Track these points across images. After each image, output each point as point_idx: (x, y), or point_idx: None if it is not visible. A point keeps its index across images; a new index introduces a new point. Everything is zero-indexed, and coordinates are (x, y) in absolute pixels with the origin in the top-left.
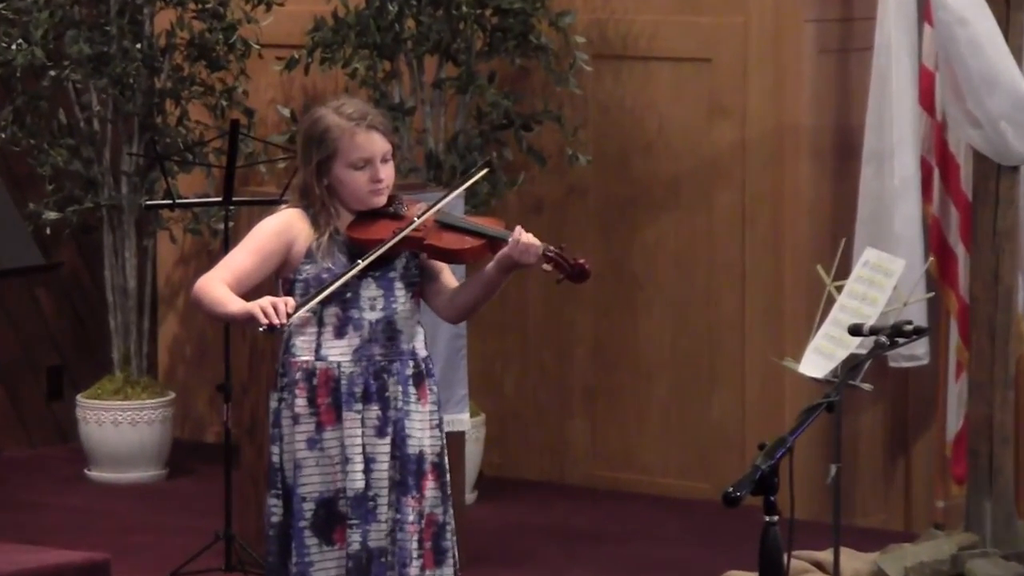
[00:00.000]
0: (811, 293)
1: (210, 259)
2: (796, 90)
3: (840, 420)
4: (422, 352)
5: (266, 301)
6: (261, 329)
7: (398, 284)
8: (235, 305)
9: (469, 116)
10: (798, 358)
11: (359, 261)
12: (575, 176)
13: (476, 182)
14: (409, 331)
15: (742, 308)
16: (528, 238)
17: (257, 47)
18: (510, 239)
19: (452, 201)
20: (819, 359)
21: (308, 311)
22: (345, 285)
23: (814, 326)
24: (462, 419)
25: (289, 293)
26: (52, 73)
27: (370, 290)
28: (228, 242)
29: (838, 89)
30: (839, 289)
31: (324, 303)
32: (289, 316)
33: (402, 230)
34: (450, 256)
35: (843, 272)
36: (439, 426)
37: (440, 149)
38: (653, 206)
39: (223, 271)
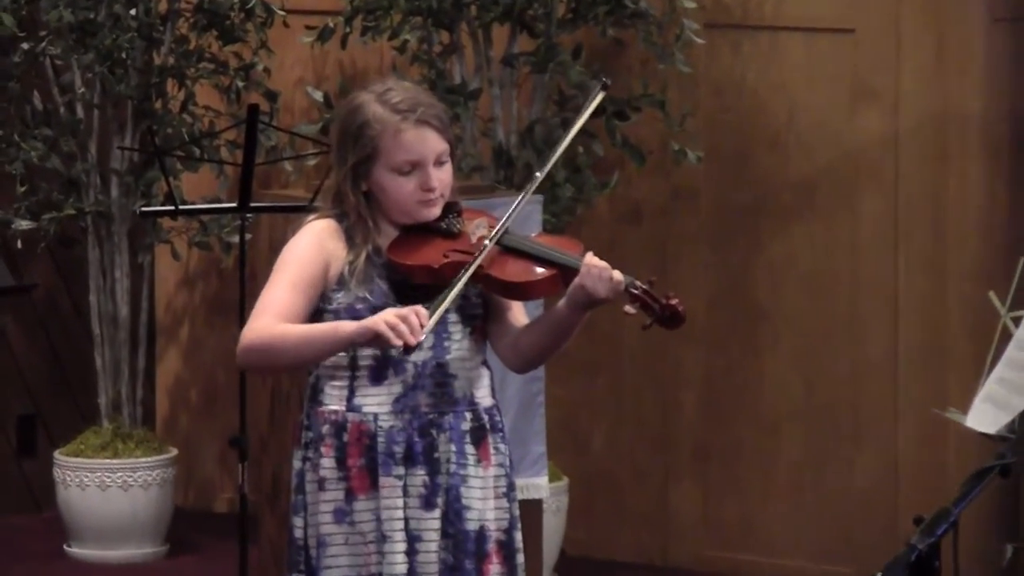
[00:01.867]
0: (981, 326)
1: (221, 280)
2: (962, 68)
3: (1018, 488)
4: (485, 401)
5: (392, 316)
6: (395, 352)
7: (453, 317)
8: (346, 327)
9: (548, 101)
10: (964, 408)
11: (486, 240)
12: (682, 177)
13: (588, 117)
14: (467, 376)
15: (894, 344)
16: (601, 266)
17: (282, 13)
18: (580, 266)
19: (523, 211)
20: (991, 410)
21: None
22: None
23: (985, 368)
24: (539, 484)
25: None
26: (24, 46)
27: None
28: (244, 259)
29: (1015, 67)
30: (1017, 321)
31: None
32: (423, 328)
33: (464, 268)
34: (514, 291)
35: (1022, 299)
36: (507, 494)
37: (512, 142)
38: (780, 215)
39: (270, 318)
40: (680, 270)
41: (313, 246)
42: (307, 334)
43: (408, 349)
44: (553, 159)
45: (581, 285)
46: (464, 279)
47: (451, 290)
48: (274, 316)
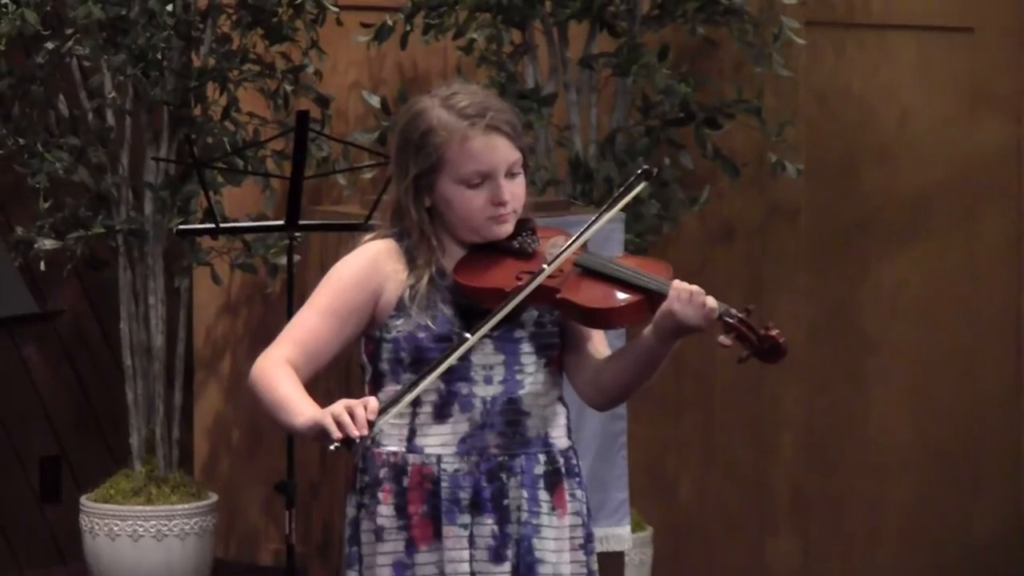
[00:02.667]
0: None
1: (266, 307)
2: None
3: None
4: (561, 442)
5: (340, 407)
6: (333, 447)
7: (526, 347)
8: (301, 416)
9: (632, 107)
10: None
11: (467, 335)
12: (780, 192)
13: (631, 201)
14: (541, 413)
15: (1017, 380)
16: (692, 291)
17: (335, 10)
18: (669, 291)
19: (603, 230)
20: None
21: (399, 413)
22: (448, 338)
23: None
24: (621, 534)
25: (374, 357)
26: (49, 46)
27: (485, 355)
28: (292, 283)
29: None
30: None
31: (421, 372)
32: (372, 424)
33: (526, 282)
34: (594, 318)
35: None
36: (584, 546)
37: (590, 153)
38: (890, 234)
39: (288, 346)
40: (778, 296)
41: (362, 269)
42: (277, 403)
43: (349, 443)
44: (569, 245)
45: (669, 312)
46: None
47: (428, 374)
48: (294, 344)
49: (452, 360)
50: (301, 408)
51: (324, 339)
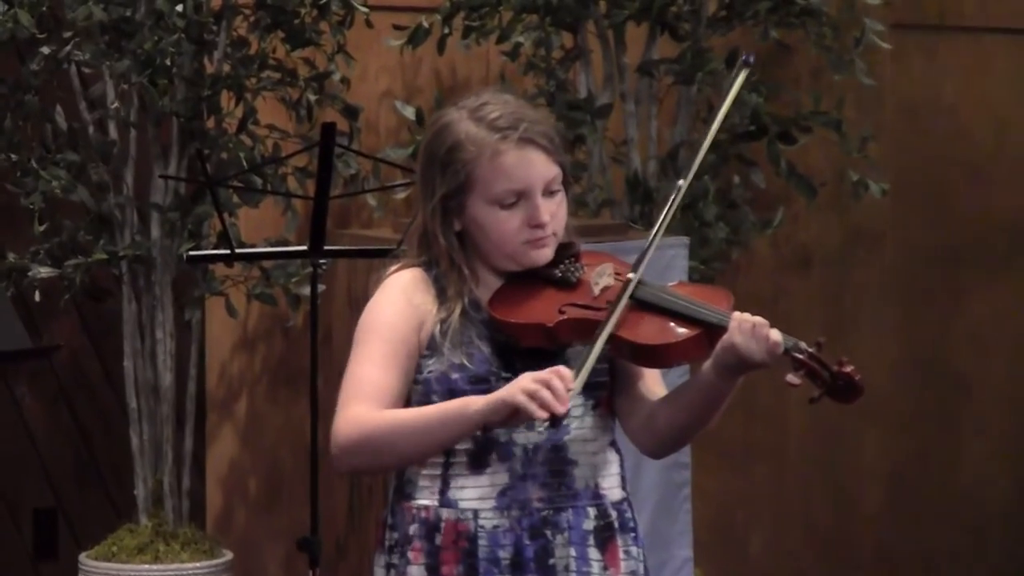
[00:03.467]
0: None
1: (288, 342)
2: None
3: None
4: (613, 493)
5: (531, 382)
6: (543, 426)
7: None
8: (475, 404)
9: (696, 119)
10: None
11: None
12: (863, 214)
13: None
14: (590, 461)
15: None
16: (754, 323)
17: (364, 10)
18: (729, 323)
19: (664, 257)
20: None
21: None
22: (487, 380)
23: None
24: None
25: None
26: (45, 50)
27: None
28: (316, 316)
29: None
30: None
31: None
32: (570, 392)
33: (602, 328)
34: (648, 356)
35: None
36: None
37: (650, 171)
38: (986, 262)
39: (363, 404)
40: (859, 332)
41: (401, 306)
42: (425, 420)
43: (555, 420)
44: (696, 164)
45: (730, 346)
46: (606, 332)
47: (594, 347)
48: (368, 402)
49: (607, 331)
50: (463, 401)
51: (395, 393)
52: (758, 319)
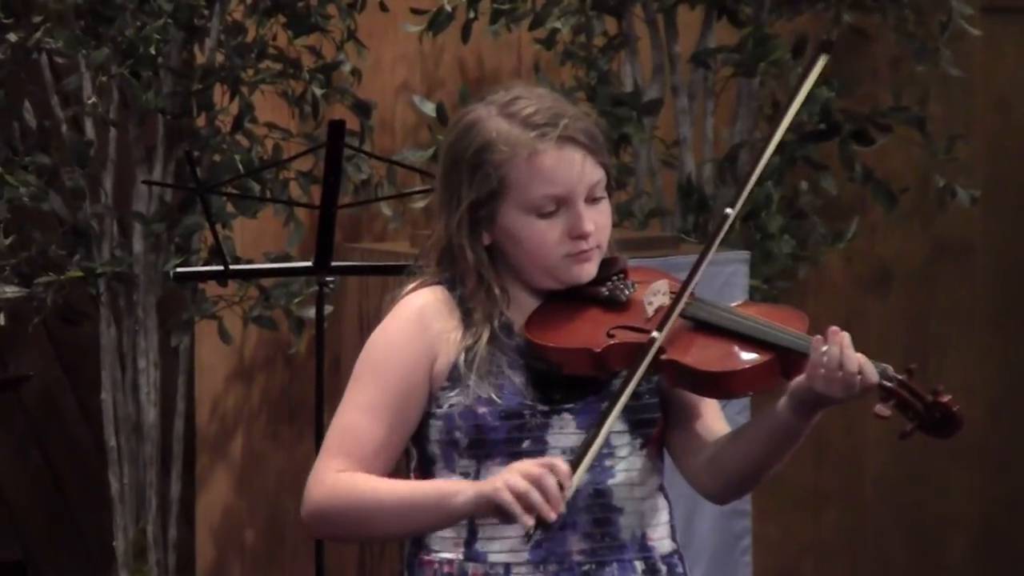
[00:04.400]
0: None
1: (290, 372)
2: None
3: None
4: (663, 545)
5: (520, 479)
6: (530, 534)
7: (618, 426)
8: (458, 496)
9: (758, 117)
10: None
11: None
12: (950, 225)
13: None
14: (637, 508)
15: None
16: (840, 348)
17: None
18: (811, 350)
19: (721, 274)
20: None
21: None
22: (519, 415)
23: None
24: None
25: (421, 437)
26: (12, 37)
27: (564, 433)
28: (323, 342)
29: None
30: None
31: (483, 455)
32: (565, 491)
33: (643, 352)
34: (709, 385)
35: None
36: None
37: (705, 175)
38: None
39: (340, 462)
40: (946, 359)
41: (409, 339)
42: (403, 503)
43: (543, 526)
44: (758, 169)
45: (811, 377)
46: (635, 381)
47: (613, 406)
48: (349, 458)
49: (636, 379)
50: (446, 488)
51: (384, 446)
52: (843, 340)
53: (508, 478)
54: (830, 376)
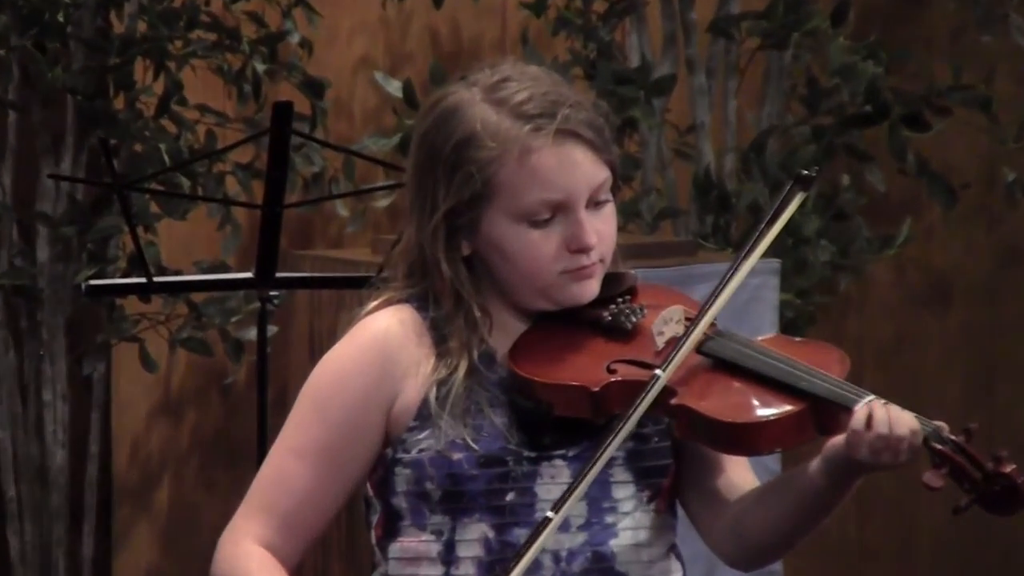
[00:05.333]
0: None
1: (226, 406)
2: None
3: None
4: None
5: None
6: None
7: (620, 474)
8: None
9: (791, 98)
10: None
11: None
12: (1022, 228)
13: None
14: (645, 573)
15: None
16: (883, 410)
17: None
18: (856, 410)
19: (746, 289)
20: None
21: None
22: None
23: None
24: None
25: (384, 487)
26: None
27: (556, 484)
28: (266, 370)
29: None
30: None
31: (459, 510)
32: None
33: (645, 390)
34: (729, 437)
35: None
36: None
37: (727, 169)
38: None
39: (261, 520)
40: (1019, 388)
41: (360, 369)
42: None
43: None
44: (714, 304)
45: (852, 444)
46: (627, 427)
47: (603, 450)
48: (271, 516)
49: (629, 425)
50: None
51: (316, 499)
52: (889, 407)
53: None
54: (875, 443)
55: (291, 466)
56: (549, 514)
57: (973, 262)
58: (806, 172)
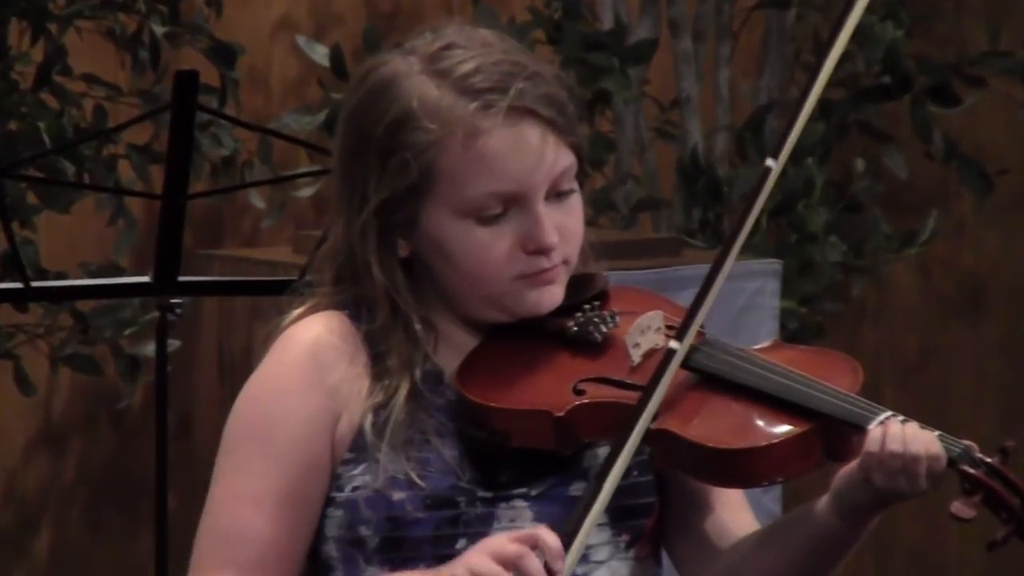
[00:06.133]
0: None
1: (119, 435)
2: None
3: None
4: None
5: (486, 561)
6: None
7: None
8: None
9: (794, 66)
10: None
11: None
12: None
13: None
14: None
15: None
16: (900, 432)
17: None
18: (869, 429)
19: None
20: None
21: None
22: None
23: None
24: None
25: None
26: None
27: (516, 528)
28: (165, 391)
29: None
30: None
31: (400, 559)
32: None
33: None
34: (720, 466)
35: None
36: None
37: (718, 151)
38: None
39: (222, 572)
40: None
41: (300, 389)
42: None
43: None
44: (792, 137)
45: (866, 466)
46: (626, 452)
47: (604, 479)
48: (241, 571)
49: (629, 449)
50: None
51: (284, 549)
52: (909, 428)
53: (473, 562)
54: (890, 463)
55: (248, 515)
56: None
57: (1011, 262)
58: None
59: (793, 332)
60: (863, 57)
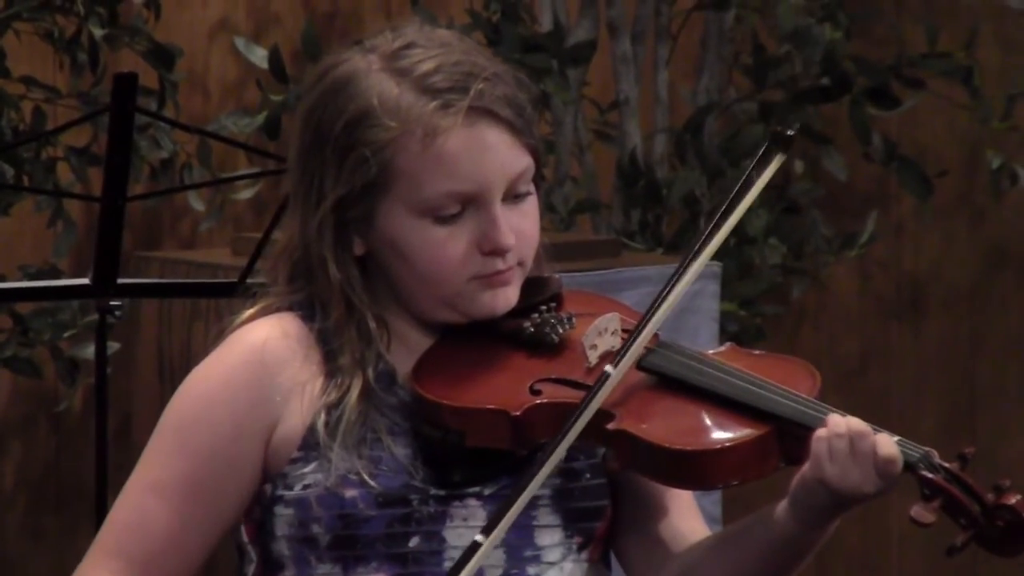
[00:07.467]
0: None
1: (59, 439)
2: None
3: None
4: None
5: None
6: None
7: (546, 517)
8: None
9: (733, 68)
10: None
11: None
12: (1011, 223)
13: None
14: None
15: None
16: (856, 432)
17: None
18: (816, 423)
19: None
20: None
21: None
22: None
23: None
24: None
25: (262, 533)
26: None
27: (469, 527)
28: (106, 394)
29: None
30: None
31: (352, 558)
32: None
33: (568, 422)
34: (676, 468)
35: None
36: None
37: (657, 153)
38: None
39: (114, 563)
40: (1007, 413)
41: (233, 389)
42: None
43: None
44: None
45: (820, 474)
46: (558, 453)
47: (530, 480)
48: (130, 563)
49: (560, 450)
50: None
51: (180, 544)
52: (856, 424)
53: None
54: (845, 461)
55: (150, 505)
56: (479, 538)
57: (951, 264)
58: (783, 130)
59: (733, 335)
60: (801, 58)
